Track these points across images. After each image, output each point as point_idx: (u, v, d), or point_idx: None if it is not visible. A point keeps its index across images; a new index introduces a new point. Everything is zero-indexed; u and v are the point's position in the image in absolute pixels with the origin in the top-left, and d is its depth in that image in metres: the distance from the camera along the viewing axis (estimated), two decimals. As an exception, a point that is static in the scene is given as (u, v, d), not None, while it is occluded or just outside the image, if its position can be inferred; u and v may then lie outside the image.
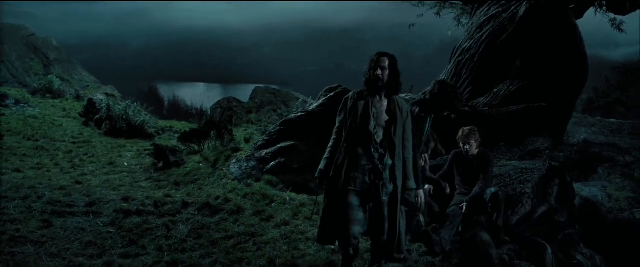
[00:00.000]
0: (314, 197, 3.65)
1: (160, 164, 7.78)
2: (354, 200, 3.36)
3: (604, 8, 8.39)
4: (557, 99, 6.87)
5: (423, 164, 5.04)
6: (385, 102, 3.46)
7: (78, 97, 14.88)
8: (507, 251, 4.62)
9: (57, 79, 15.46)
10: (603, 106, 17.48)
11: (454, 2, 10.10)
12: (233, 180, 6.67)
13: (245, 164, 7.05)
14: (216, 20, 66.30)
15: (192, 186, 6.71)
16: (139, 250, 4.52)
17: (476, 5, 8.33)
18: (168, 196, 6.13)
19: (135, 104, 11.67)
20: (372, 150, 3.37)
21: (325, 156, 3.51)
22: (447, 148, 5.62)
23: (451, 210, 4.65)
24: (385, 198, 3.37)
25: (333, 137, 3.53)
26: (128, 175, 7.52)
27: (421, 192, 3.68)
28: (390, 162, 3.39)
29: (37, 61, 17.60)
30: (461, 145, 4.80)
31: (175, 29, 64.10)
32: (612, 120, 13.28)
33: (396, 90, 3.50)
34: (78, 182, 6.72)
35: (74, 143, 9.51)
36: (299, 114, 7.55)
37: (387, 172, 3.39)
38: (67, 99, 14.38)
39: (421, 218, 4.75)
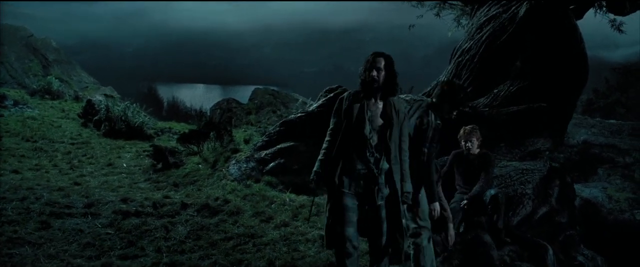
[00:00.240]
0: (312, 197, 3.58)
1: (159, 165, 7.76)
2: (348, 202, 3.30)
3: (604, 9, 8.37)
4: (558, 99, 6.85)
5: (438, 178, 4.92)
6: (381, 104, 3.38)
7: (77, 98, 14.85)
8: (508, 252, 4.60)
9: (56, 80, 15.42)
10: (603, 107, 17.49)
11: (454, 3, 10.08)
12: (232, 181, 6.64)
13: (245, 165, 7.03)
14: (216, 21, 66.41)
15: (191, 187, 6.69)
16: (138, 251, 4.50)
17: (476, 6, 8.31)
18: (167, 197, 6.11)
19: (134, 105, 11.65)
20: (368, 154, 3.30)
21: (319, 157, 3.44)
22: (447, 149, 5.59)
23: (451, 207, 4.63)
24: (380, 202, 3.31)
25: (327, 138, 3.45)
26: (127, 176, 7.50)
27: (437, 205, 3.63)
28: (386, 166, 3.32)
29: (36, 62, 17.55)
30: (462, 143, 4.78)
31: (175, 29, 64.19)
32: (611, 121, 13.27)
33: (393, 91, 3.41)
34: (76, 184, 6.69)
35: (72, 144, 9.49)
36: (299, 114, 7.53)
37: (383, 176, 3.32)
38: (66, 100, 14.35)
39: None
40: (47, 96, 14.26)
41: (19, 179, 6.67)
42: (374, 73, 3.30)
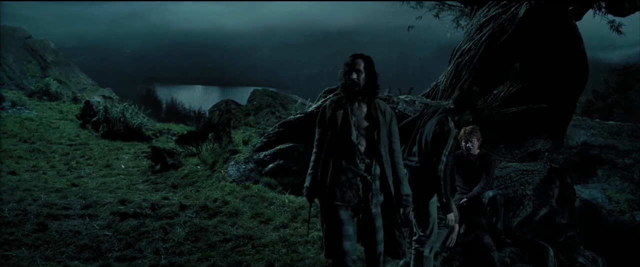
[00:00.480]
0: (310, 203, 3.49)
1: (158, 167, 7.72)
2: (343, 215, 3.17)
3: (604, 9, 8.36)
4: (557, 100, 6.84)
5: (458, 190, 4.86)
6: (365, 108, 3.24)
7: (75, 100, 14.81)
8: (509, 254, 4.57)
9: (54, 82, 15.38)
10: (602, 108, 17.49)
11: (453, 3, 10.07)
12: (231, 182, 6.61)
13: (244, 166, 7.00)
14: (214, 22, 66.38)
15: (189, 189, 6.65)
16: (136, 253, 4.46)
17: (475, 7, 8.30)
18: (165, 198, 6.07)
19: (133, 106, 11.62)
20: (358, 161, 3.16)
21: (309, 171, 3.31)
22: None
23: None
24: (375, 210, 3.19)
25: (314, 150, 3.32)
26: (125, 177, 7.46)
27: (452, 215, 3.54)
28: (379, 170, 3.21)
29: (35, 64, 17.51)
30: (463, 143, 4.75)
31: (173, 31, 64.17)
32: (611, 122, 13.26)
33: (375, 92, 3.26)
34: (74, 185, 6.65)
35: (70, 145, 9.45)
36: (298, 115, 7.50)
37: (377, 182, 3.21)
38: (64, 102, 14.30)
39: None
40: (45, 97, 14.22)
41: (16, 180, 6.62)
42: (354, 76, 3.17)
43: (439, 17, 10.40)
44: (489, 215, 4.70)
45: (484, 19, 7.70)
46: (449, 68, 7.98)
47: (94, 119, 11.13)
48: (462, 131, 4.79)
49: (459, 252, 4.36)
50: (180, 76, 51.77)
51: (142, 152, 9.05)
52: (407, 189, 3.24)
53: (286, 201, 5.96)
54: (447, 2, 10.18)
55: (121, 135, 10.40)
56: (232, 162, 7.20)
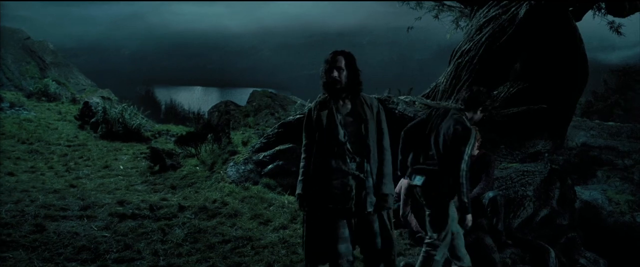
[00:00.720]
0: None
1: (157, 168, 7.69)
2: (337, 217, 3.09)
3: (603, 10, 8.36)
4: (558, 100, 6.83)
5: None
6: (349, 105, 3.17)
7: (74, 101, 14.76)
8: (510, 255, 4.55)
9: (53, 83, 15.34)
10: (601, 109, 17.50)
11: (453, 4, 10.06)
12: (230, 183, 6.58)
13: (243, 167, 6.97)
14: (214, 23, 66.43)
15: (188, 190, 6.62)
16: (134, 254, 4.43)
17: (475, 7, 8.29)
18: (164, 199, 6.04)
19: (132, 107, 11.58)
20: (348, 160, 3.08)
21: (299, 177, 3.22)
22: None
23: None
24: (370, 209, 3.09)
25: (303, 156, 3.23)
26: (123, 178, 7.43)
27: (469, 216, 3.48)
28: (369, 167, 3.10)
29: (33, 64, 17.47)
30: None
31: (172, 32, 64.20)
32: (610, 123, 13.26)
33: (358, 89, 3.18)
34: (72, 186, 6.62)
35: (69, 146, 9.41)
36: (298, 116, 7.49)
37: (370, 179, 3.11)
38: (63, 103, 14.26)
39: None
40: (44, 98, 14.18)
41: (14, 181, 6.59)
42: (335, 73, 3.11)
43: (438, 18, 10.39)
44: (490, 216, 4.68)
45: (484, 20, 7.69)
46: (449, 69, 7.97)
47: (93, 119, 11.09)
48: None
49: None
50: (180, 77, 51.75)
51: (141, 153, 9.02)
52: (388, 188, 3.14)
53: (286, 202, 5.93)
54: (447, 3, 10.17)
55: (120, 136, 10.37)
56: (232, 163, 7.18)
